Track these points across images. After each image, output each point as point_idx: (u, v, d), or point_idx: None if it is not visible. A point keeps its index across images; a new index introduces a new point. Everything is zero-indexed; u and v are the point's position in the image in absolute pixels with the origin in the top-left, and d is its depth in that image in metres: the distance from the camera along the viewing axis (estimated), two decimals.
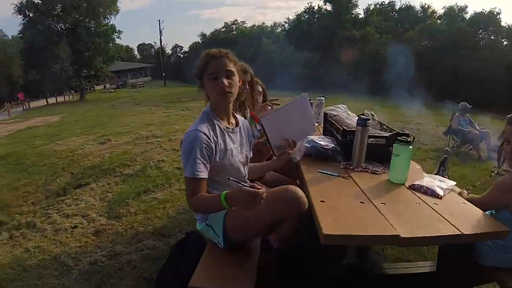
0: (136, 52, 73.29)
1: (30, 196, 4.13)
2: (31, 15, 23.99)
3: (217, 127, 1.51)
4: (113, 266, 2.29)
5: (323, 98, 2.94)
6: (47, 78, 24.70)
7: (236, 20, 49.71)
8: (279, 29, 36.12)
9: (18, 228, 3.17)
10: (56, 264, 2.41)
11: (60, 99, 27.99)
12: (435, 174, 1.97)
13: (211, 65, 1.48)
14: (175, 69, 54.15)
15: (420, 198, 1.36)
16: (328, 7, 29.25)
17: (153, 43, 67.87)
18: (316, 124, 2.65)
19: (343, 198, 1.37)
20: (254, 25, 44.40)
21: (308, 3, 30.66)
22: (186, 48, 60.18)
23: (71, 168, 5.00)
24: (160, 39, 46.89)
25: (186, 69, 48.99)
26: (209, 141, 1.43)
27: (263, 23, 42.99)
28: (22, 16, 24.15)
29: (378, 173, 1.65)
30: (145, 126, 8.36)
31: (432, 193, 1.39)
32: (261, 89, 2.46)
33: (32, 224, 3.18)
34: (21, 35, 25.84)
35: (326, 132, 2.23)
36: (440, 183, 1.47)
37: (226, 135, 1.55)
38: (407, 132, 1.74)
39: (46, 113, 17.05)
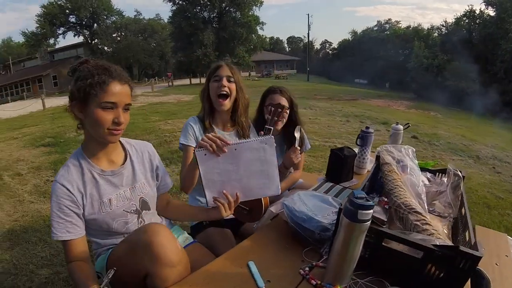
0: (285, 44, 77.12)
1: None
2: (180, 2, 26.71)
3: (86, 173, 1.16)
4: None
5: (400, 127, 2.10)
6: (191, 61, 27.04)
7: (389, 19, 48.55)
8: (436, 33, 31.90)
9: None
10: None
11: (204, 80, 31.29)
12: None
13: (112, 89, 1.08)
14: (322, 65, 55.04)
15: None
16: (490, 11, 23.86)
17: (302, 37, 69.89)
18: None
19: None
20: (409, 26, 41.31)
21: (468, 6, 25.56)
22: (335, 45, 60.31)
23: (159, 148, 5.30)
24: (308, 34, 46.49)
25: (332, 66, 50.56)
26: (70, 195, 1.12)
27: (419, 24, 39.40)
28: (171, 3, 27.14)
29: None
30: None
31: None
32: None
33: None
34: (171, 20, 28.86)
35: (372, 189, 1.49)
36: None
37: (101, 182, 1.18)
38: None
39: (183, 92, 18.66)
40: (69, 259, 1.12)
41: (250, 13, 26.67)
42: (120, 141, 1.27)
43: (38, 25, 33.26)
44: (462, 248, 0.86)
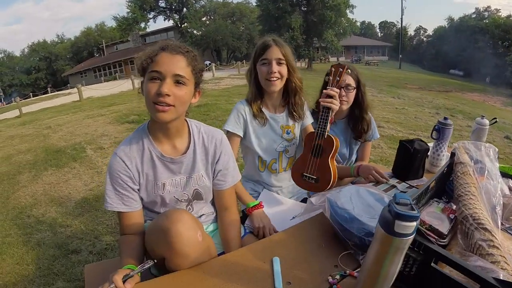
0: (377, 29, 73.89)
1: None
2: None
3: (146, 152, 1.15)
4: None
5: (486, 121, 1.83)
6: None
7: (489, 7, 44.62)
8: None
9: None
10: None
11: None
12: None
13: (158, 59, 1.06)
14: (416, 53, 53.25)
15: None
16: None
17: (395, 22, 67.18)
18: None
19: None
20: (510, 16, 37.91)
21: None
22: (430, 31, 56.70)
23: None
24: (401, 18, 44.39)
25: (426, 54, 48.36)
26: (128, 170, 1.13)
27: None
28: None
29: None
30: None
31: None
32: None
33: None
34: (258, 3, 28.51)
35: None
36: None
37: (159, 165, 1.16)
38: None
39: None
40: (122, 231, 1.16)
41: None
42: (188, 126, 1.23)
43: (129, 10, 35.88)
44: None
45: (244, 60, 32.69)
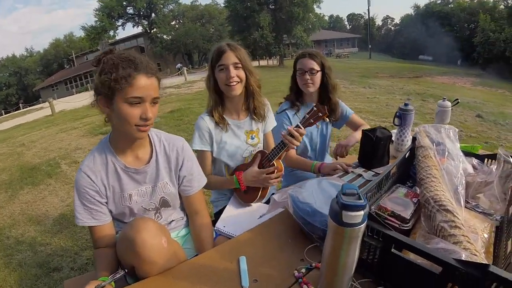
0: (346, 22, 75.00)
1: None
2: None
3: (110, 165, 1.17)
4: None
5: (448, 103, 1.89)
6: (249, 44, 26.52)
7: None
8: (502, 5, 29.61)
9: None
10: None
11: (263, 62, 31.48)
12: None
13: (138, 82, 1.05)
14: (385, 42, 54.13)
15: None
16: None
17: (363, 13, 68.58)
18: None
19: None
20: None
21: None
22: (397, 20, 58.23)
23: None
24: (368, 10, 45.69)
25: (395, 42, 49.60)
26: (94, 185, 1.15)
27: None
28: None
29: None
30: None
31: None
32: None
33: None
34: (226, 4, 28.33)
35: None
36: None
37: (124, 177, 1.19)
38: None
39: None
40: (95, 245, 1.17)
41: None
42: (149, 135, 1.24)
43: (96, 19, 35.52)
44: (493, 269, 0.66)
45: None
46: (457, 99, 2.01)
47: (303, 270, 0.92)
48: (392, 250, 0.80)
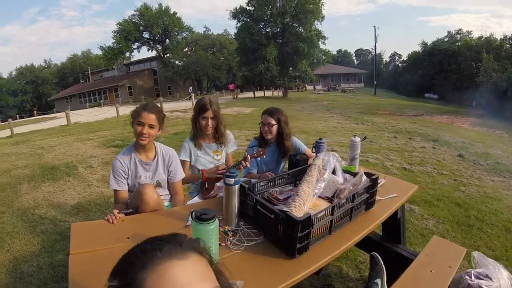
0: (354, 57, 76.16)
1: None
2: (244, 19, 27.96)
3: (132, 158, 2.12)
4: None
5: (357, 139, 2.56)
6: (255, 75, 28.20)
7: (460, 30, 45.48)
8: (508, 44, 29.84)
9: None
10: None
11: (268, 93, 32.48)
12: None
13: (142, 115, 2.04)
14: (391, 79, 53.40)
15: None
16: None
17: (370, 49, 68.17)
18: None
19: None
20: (481, 37, 38.28)
21: None
22: (405, 57, 58.50)
23: None
24: (375, 46, 44.91)
25: (401, 79, 48.27)
26: (122, 167, 2.06)
27: (491, 34, 36.46)
28: (236, 20, 28.44)
29: (239, 248, 1.45)
30: (302, 133, 8.93)
31: None
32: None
33: None
34: (236, 36, 30.26)
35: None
36: None
37: (139, 165, 2.12)
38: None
39: (245, 105, 19.64)
40: (115, 201, 2.11)
41: (313, 28, 26.98)
42: (155, 145, 2.19)
43: (114, 41, 37.22)
44: (289, 212, 1.38)
45: (224, 90, 33.88)
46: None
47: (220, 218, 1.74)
48: (258, 207, 1.58)
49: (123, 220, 1.73)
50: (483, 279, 1.48)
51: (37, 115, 28.75)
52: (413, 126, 11.60)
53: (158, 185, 2.22)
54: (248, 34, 27.10)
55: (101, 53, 39.84)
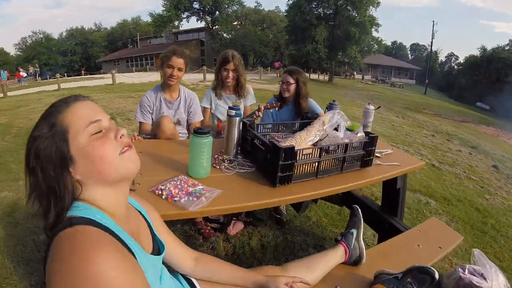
0: (408, 51, 73.57)
1: None
2: None
3: (158, 96, 2.46)
4: None
5: (372, 107, 2.77)
6: (302, 55, 28.13)
7: None
8: None
9: None
10: None
11: (314, 76, 31.60)
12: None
13: (172, 59, 2.32)
14: (445, 80, 51.30)
15: None
16: None
17: (426, 45, 65.39)
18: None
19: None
20: None
21: None
22: (461, 59, 55.78)
23: None
24: (431, 42, 42.91)
25: (455, 83, 46.40)
26: (149, 102, 2.38)
27: None
28: None
29: (230, 172, 1.69)
30: None
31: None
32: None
33: None
34: (286, 13, 30.28)
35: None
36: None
37: (163, 103, 2.44)
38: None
39: None
40: (139, 132, 2.41)
41: (367, 13, 26.25)
42: (179, 88, 2.50)
43: (164, 9, 38.22)
44: (274, 142, 1.58)
45: (269, 67, 33.82)
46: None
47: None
48: (254, 141, 1.78)
49: (140, 141, 2.04)
50: (476, 276, 1.46)
51: (84, 75, 30.46)
52: (455, 130, 11.45)
53: (178, 123, 2.51)
54: (299, 12, 26.92)
55: (150, 20, 40.95)
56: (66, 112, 0.78)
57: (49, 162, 0.74)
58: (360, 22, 26.11)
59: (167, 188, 1.38)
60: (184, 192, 1.37)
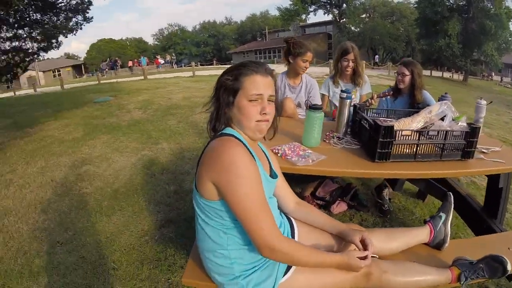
0: None
1: None
2: None
3: (283, 81, 2.93)
4: None
5: (484, 101, 2.67)
6: (433, 51, 26.52)
7: None
8: None
9: None
10: None
11: (446, 75, 29.90)
12: None
13: (307, 54, 2.77)
14: None
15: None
16: None
17: None
18: None
19: None
20: None
21: None
22: None
23: None
24: None
25: None
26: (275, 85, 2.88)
27: None
28: None
29: (337, 146, 2.02)
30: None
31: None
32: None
33: None
34: (416, 5, 28.59)
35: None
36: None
37: (287, 88, 2.91)
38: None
39: None
40: None
41: (503, 4, 23.54)
42: (301, 75, 2.90)
43: (291, 2, 39.34)
44: (379, 122, 1.70)
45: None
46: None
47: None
48: (361, 121, 2.03)
49: None
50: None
51: (216, 65, 33.79)
52: None
53: (298, 105, 2.93)
54: (429, 4, 25.22)
55: (278, 14, 42.67)
56: (249, 77, 1.20)
57: (224, 95, 1.23)
58: (496, 15, 23.35)
59: (282, 149, 1.83)
60: (295, 153, 1.79)
